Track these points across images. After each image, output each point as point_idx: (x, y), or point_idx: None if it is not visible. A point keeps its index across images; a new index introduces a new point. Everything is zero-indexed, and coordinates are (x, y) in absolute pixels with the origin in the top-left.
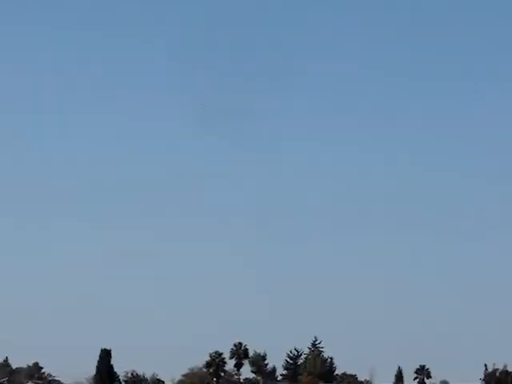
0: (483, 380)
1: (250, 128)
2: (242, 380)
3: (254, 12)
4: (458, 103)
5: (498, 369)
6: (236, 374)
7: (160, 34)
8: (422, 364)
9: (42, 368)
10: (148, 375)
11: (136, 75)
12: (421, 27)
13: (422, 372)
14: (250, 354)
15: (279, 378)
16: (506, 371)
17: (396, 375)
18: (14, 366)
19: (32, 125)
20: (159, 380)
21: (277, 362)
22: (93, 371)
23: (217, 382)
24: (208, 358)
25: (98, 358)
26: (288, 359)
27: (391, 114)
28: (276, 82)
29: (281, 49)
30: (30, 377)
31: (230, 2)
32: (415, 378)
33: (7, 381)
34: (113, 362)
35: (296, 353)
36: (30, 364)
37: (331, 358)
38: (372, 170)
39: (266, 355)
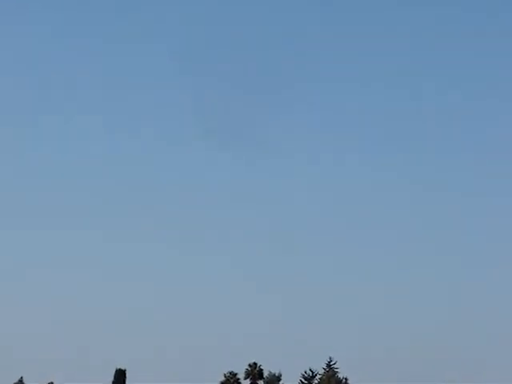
0: None
1: (251, 138)
2: None
3: (253, 26)
4: (462, 118)
5: None
6: None
7: (161, 38)
8: None
9: None
10: None
11: (136, 78)
12: (421, 40)
13: None
14: (265, 374)
15: None
16: None
17: None
18: None
19: (31, 127)
20: None
21: (291, 382)
22: None
23: None
24: (223, 379)
25: (112, 378)
26: (302, 379)
27: (393, 126)
28: (277, 95)
29: (281, 61)
30: None
31: (232, 15)
32: None
33: None
34: (128, 382)
35: (311, 373)
36: None
37: (346, 379)
38: (374, 182)
39: (280, 375)
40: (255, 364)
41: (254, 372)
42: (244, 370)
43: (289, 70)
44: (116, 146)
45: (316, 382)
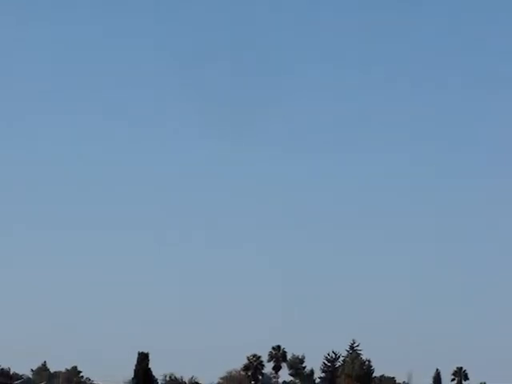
0: None
1: (252, 128)
2: (280, 383)
3: (254, 24)
4: (460, 106)
5: None
6: (274, 377)
7: (162, 31)
8: (460, 366)
9: (80, 372)
10: (186, 378)
11: (137, 71)
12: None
13: (460, 374)
14: (288, 356)
15: (317, 380)
16: None
17: (434, 377)
18: (52, 370)
19: (30, 126)
20: (197, 383)
21: (315, 364)
22: (131, 375)
23: None
24: (246, 361)
25: (135, 362)
26: (326, 362)
27: (393, 116)
28: (275, 89)
29: (282, 51)
30: (69, 381)
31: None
32: (453, 380)
33: None
34: (150, 365)
35: (334, 355)
36: (69, 368)
37: (369, 361)
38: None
39: (304, 358)
40: (279, 347)
41: (278, 355)
42: (268, 353)
43: (290, 59)
44: (116, 143)
45: (339, 364)
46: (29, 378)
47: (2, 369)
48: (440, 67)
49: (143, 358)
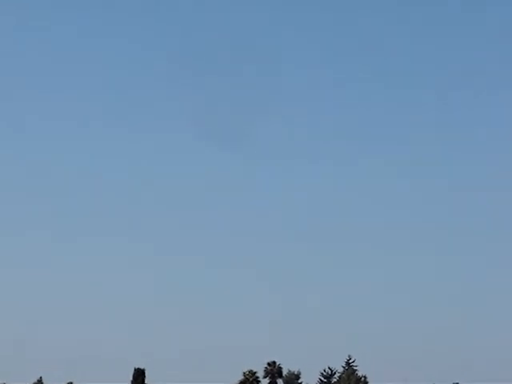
0: None
1: (251, 138)
2: None
3: (253, 27)
4: (460, 106)
5: None
6: None
7: (160, 39)
8: (456, 382)
9: None
10: None
11: (136, 78)
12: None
13: None
14: (284, 372)
15: None
16: None
17: None
18: None
19: (30, 126)
20: None
21: (310, 380)
22: None
23: None
24: (242, 377)
25: (131, 378)
26: (322, 378)
27: (393, 116)
28: (276, 94)
29: (280, 62)
30: None
31: (231, 16)
32: None
33: None
34: (147, 381)
35: (330, 371)
36: None
37: (365, 377)
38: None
39: (299, 374)
40: (274, 362)
41: (273, 370)
42: (263, 369)
43: (289, 63)
44: (116, 148)
45: (335, 380)
46: None
47: None
48: (440, 67)
49: (139, 374)
